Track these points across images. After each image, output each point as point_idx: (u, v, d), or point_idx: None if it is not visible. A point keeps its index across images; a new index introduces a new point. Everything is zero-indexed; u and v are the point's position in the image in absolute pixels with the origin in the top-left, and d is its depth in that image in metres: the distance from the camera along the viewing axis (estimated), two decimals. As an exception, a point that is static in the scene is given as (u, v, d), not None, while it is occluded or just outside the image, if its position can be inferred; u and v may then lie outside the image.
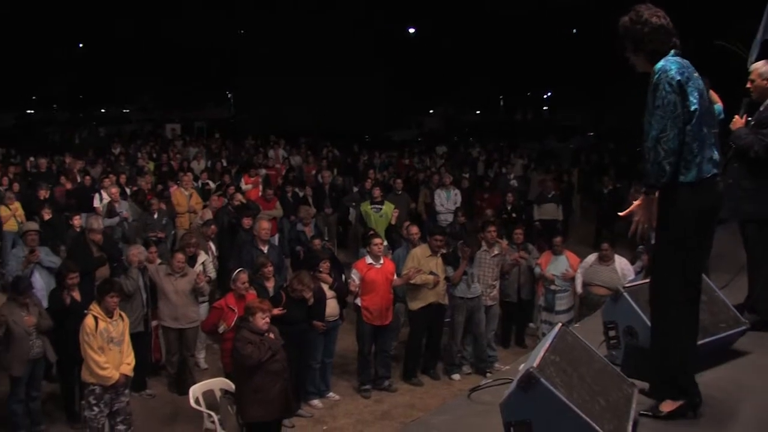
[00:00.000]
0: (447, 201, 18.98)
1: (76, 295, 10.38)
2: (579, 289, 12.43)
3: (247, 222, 14.08)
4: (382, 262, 11.69)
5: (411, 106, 53.56)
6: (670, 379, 4.51)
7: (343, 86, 46.11)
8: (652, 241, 5.03)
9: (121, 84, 56.66)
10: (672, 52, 4.40)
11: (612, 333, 5.53)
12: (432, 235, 12.35)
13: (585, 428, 3.77)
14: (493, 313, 12.70)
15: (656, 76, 4.30)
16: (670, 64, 4.32)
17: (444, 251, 12.14)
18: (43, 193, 17.00)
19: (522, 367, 4.10)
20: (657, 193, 4.41)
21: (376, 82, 47.98)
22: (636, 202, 4.52)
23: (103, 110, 55.01)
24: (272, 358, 8.51)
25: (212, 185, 19.70)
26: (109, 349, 9.23)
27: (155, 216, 15.29)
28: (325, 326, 11.00)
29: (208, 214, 15.18)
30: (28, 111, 53.67)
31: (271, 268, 11.23)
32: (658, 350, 4.53)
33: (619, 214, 4.89)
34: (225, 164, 24.33)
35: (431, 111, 59.95)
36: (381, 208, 16.41)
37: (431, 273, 11.83)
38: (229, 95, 62.62)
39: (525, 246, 13.58)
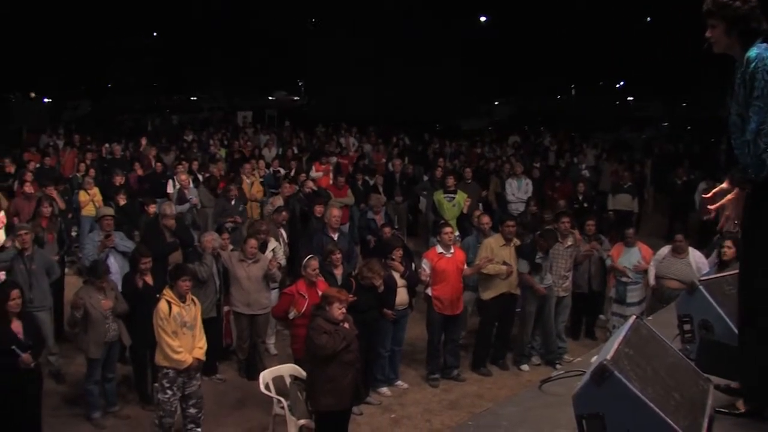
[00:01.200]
0: (518, 190, 18.85)
1: (149, 279, 10.54)
2: (652, 281, 12.25)
3: (318, 209, 14.15)
4: (452, 251, 11.63)
5: (481, 94, 53.21)
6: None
7: (413, 74, 45.99)
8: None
9: (194, 72, 57.26)
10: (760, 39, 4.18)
11: (687, 327, 5.41)
12: (503, 222, 12.28)
13: (659, 423, 3.69)
14: (565, 305, 12.58)
15: (752, 65, 4.06)
16: (766, 52, 4.10)
17: (516, 240, 12.07)
18: (119, 179, 17.26)
19: (595, 360, 4.03)
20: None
21: (446, 70, 47.74)
22: (729, 196, 4.33)
23: (175, 98, 55.58)
24: (346, 348, 8.46)
25: (283, 172, 19.82)
26: (182, 333, 9.35)
27: (233, 202, 15.42)
28: (394, 315, 11.01)
29: (279, 201, 15.28)
30: (103, 99, 54.45)
31: (339, 256, 11.23)
32: (757, 352, 4.35)
33: (710, 207, 4.69)
34: (296, 152, 24.45)
35: (501, 100, 59.55)
36: (454, 197, 16.33)
37: (504, 263, 11.76)
38: (300, 83, 62.89)
39: (597, 237, 13.41)
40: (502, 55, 50.65)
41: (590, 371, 3.82)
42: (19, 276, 10.87)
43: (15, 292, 8.95)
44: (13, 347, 8.67)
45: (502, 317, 12.22)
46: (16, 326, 8.88)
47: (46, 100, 52.86)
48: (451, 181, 16.80)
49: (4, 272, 11.36)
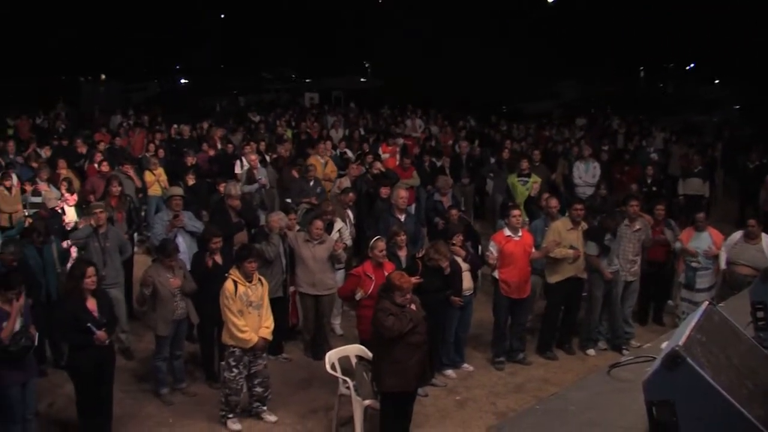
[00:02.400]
0: (585, 173, 18.64)
1: (218, 259, 10.64)
2: (723, 266, 12.03)
3: (384, 191, 14.14)
4: (520, 234, 11.53)
5: (548, 76, 52.65)
6: None
7: (479, 56, 45.67)
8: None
9: (260, 53, 57.54)
10: None
11: (760, 314, 5.28)
12: (571, 205, 12.16)
13: (732, 412, 3.61)
14: (633, 289, 12.40)
15: None
16: None
17: (584, 224, 11.95)
18: (190, 160, 17.47)
19: (666, 345, 3.95)
20: None
21: (513, 52, 47.33)
22: None
23: (242, 79, 55.94)
24: (413, 330, 8.44)
25: (350, 154, 19.86)
26: (248, 312, 9.44)
27: (311, 183, 15.49)
28: (461, 302, 10.98)
29: (346, 182, 15.33)
30: (171, 81, 55.11)
31: (404, 237, 11.23)
32: None
33: None
34: (363, 133, 24.48)
35: (568, 82, 58.88)
36: (528, 180, 16.20)
37: (571, 247, 11.65)
38: (367, 65, 62.84)
39: (667, 222, 13.21)
40: (569, 36, 50.00)
41: (662, 357, 3.75)
42: (93, 253, 11.14)
43: (90, 270, 9.07)
44: (89, 324, 8.81)
45: (569, 301, 12.12)
46: (91, 304, 9.00)
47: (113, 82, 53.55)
48: (525, 164, 16.69)
49: (76, 249, 11.62)
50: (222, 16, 58.37)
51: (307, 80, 53.70)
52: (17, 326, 8.34)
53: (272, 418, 9.93)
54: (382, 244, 10.41)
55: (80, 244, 11.44)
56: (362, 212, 14.47)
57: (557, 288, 11.89)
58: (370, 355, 9.30)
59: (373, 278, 10.06)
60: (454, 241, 11.17)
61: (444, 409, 10.32)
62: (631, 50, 52.10)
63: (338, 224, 12.49)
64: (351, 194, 14.02)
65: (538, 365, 11.84)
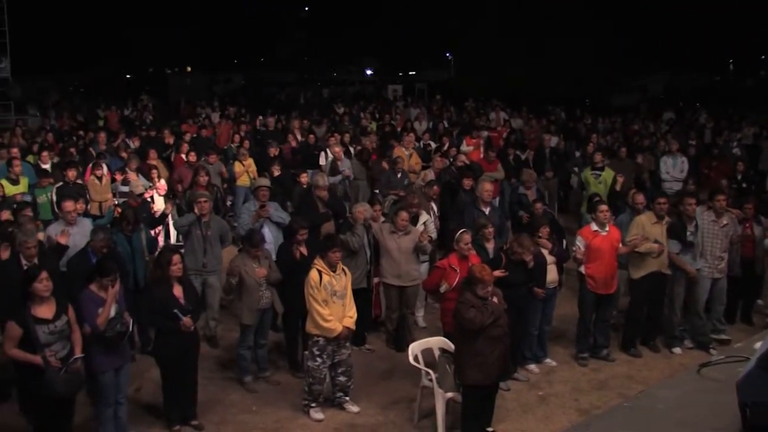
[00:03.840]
0: (673, 168, 18.27)
1: (304, 249, 10.71)
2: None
3: (467, 182, 14.10)
4: (607, 229, 11.38)
5: (633, 69, 51.85)
6: None
7: (563, 48, 45.23)
8: None
9: (344, 46, 57.81)
10: None
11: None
12: (655, 199, 11.97)
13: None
14: (720, 287, 12.12)
15: None
16: None
17: (668, 218, 11.74)
18: (273, 151, 17.68)
19: (760, 346, 3.87)
20: None
21: (597, 44, 46.75)
22: None
23: (326, 72, 56.30)
24: (494, 323, 8.43)
25: (434, 146, 19.85)
26: (332, 302, 9.50)
27: (398, 175, 15.53)
28: (544, 293, 10.89)
29: (430, 175, 15.32)
30: (255, 73, 55.69)
31: (491, 230, 11.20)
32: None
33: None
34: (446, 125, 24.44)
35: (654, 76, 57.88)
36: (600, 174, 15.97)
37: (655, 241, 11.47)
38: (450, 57, 62.70)
39: (757, 218, 12.91)
40: (655, 28, 49.18)
41: (757, 357, 3.68)
42: (195, 241, 11.39)
43: (176, 257, 9.26)
44: (175, 311, 8.99)
45: (652, 297, 11.87)
46: (178, 291, 9.18)
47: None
48: (598, 157, 16.42)
49: (163, 237, 11.85)
50: (306, 8, 58.78)
51: (391, 73, 53.71)
52: (112, 312, 8.53)
53: (354, 408, 9.98)
54: (467, 237, 10.40)
55: (183, 231, 11.67)
56: (446, 205, 14.44)
57: (641, 283, 11.68)
58: (453, 347, 9.30)
59: (458, 271, 10.04)
60: (540, 234, 11.11)
61: (526, 404, 10.24)
62: (720, 43, 50.98)
63: (423, 217, 12.48)
64: (435, 187, 14.01)
65: (621, 362, 11.65)
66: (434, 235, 12.76)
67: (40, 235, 10.54)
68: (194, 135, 21.07)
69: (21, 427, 9.41)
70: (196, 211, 11.63)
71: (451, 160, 16.65)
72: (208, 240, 11.54)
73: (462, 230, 10.63)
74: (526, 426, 9.73)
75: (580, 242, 11.47)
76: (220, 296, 11.98)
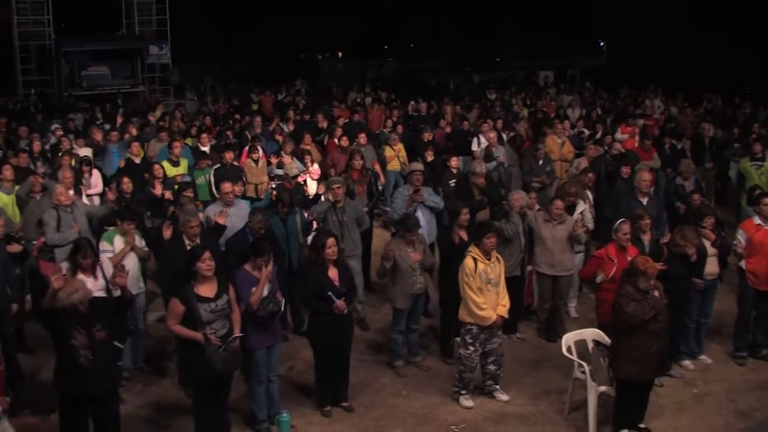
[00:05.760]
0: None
1: (464, 235, 10.63)
2: None
3: (626, 171, 13.81)
4: (772, 222, 10.93)
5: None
6: None
7: (721, 34, 43.68)
8: None
9: (495, 32, 57.42)
10: None
11: None
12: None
13: None
14: None
15: None
16: None
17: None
18: (427, 136, 17.70)
19: None
20: None
21: (760, 28, 44.93)
22: None
23: (476, 57, 56.00)
24: (655, 318, 8.22)
25: (587, 133, 19.51)
26: (486, 290, 9.43)
27: (540, 162, 15.36)
28: (703, 284, 10.53)
29: (584, 163, 15.06)
30: (406, 58, 55.97)
31: (648, 221, 10.88)
32: None
33: None
34: (600, 113, 23.97)
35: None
36: (762, 165, 15.34)
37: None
38: (602, 43, 61.50)
39: None
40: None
41: None
42: (332, 226, 11.47)
43: (331, 240, 9.36)
44: (329, 293, 9.10)
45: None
46: (333, 273, 9.29)
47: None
48: (758, 147, 15.78)
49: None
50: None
51: (542, 59, 53.01)
52: (265, 292, 8.69)
53: (504, 397, 9.91)
54: (627, 227, 10.15)
55: (319, 218, 11.80)
56: (601, 194, 14.16)
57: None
58: (607, 340, 9.14)
59: (616, 261, 9.84)
60: (704, 224, 10.76)
61: (680, 402, 9.95)
62: None
63: (581, 206, 12.22)
64: (590, 174, 13.74)
65: (783, 363, 11.19)
66: (590, 225, 12.49)
67: (200, 216, 10.80)
68: (347, 120, 21.25)
69: (180, 399, 9.75)
70: (330, 197, 11.72)
71: (606, 148, 16.29)
72: (344, 225, 11.61)
73: (621, 220, 10.39)
74: (680, 425, 9.46)
75: (741, 236, 11.05)
76: (362, 279, 12.11)
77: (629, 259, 9.16)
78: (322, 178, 14.60)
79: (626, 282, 8.42)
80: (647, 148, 16.85)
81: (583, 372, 9.23)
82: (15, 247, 10.62)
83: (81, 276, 9.11)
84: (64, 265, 9.43)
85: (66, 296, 7.46)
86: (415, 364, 10.83)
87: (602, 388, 9.02)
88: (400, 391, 10.22)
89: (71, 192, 12.19)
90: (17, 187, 12.82)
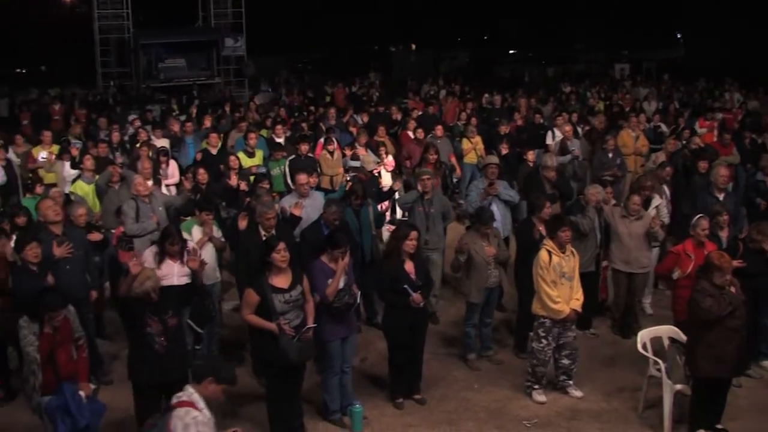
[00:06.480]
0: None
1: (543, 229, 10.55)
2: None
3: (703, 165, 13.59)
4: None
5: None
6: None
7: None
8: None
9: (570, 24, 56.90)
10: None
11: None
12: None
13: None
14: None
15: None
16: None
17: None
18: (504, 129, 17.62)
19: None
20: None
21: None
22: None
23: (551, 49, 55.56)
24: (732, 314, 8.10)
25: (664, 128, 19.23)
26: (560, 283, 9.41)
27: (610, 155, 15.23)
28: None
29: (662, 157, 14.87)
30: (480, 50, 55.76)
31: (726, 217, 10.75)
32: None
33: None
34: (677, 106, 23.63)
35: None
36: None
37: None
38: (679, 35, 60.54)
39: None
40: None
41: None
42: (418, 218, 11.55)
43: (414, 233, 9.39)
44: (405, 286, 9.12)
45: None
46: (409, 266, 9.31)
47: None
48: None
49: (389, 212, 12.04)
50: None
51: (618, 51, 52.36)
52: (341, 284, 8.75)
53: (578, 393, 9.85)
54: (705, 223, 10.02)
55: (406, 208, 11.84)
56: (679, 189, 13.95)
57: None
58: (683, 337, 9.03)
59: (693, 258, 9.72)
60: None
61: (759, 403, 9.74)
62: None
63: (656, 200, 12.06)
64: (668, 168, 13.54)
65: None
66: (667, 220, 12.31)
67: (276, 207, 10.90)
68: (421, 112, 21.26)
69: (254, 388, 9.85)
70: (419, 188, 11.74)
71: (684, 142, 16.06)
72: (430, 217, 11.64)
73: (699, 215, 10.26)
74: (759, 427, 9.26)
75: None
76: (442, 273, 12.09)
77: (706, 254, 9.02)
78: (397, 170, 14.63)
79: (702, 278, 8.32)
80: (726, 142, 16.55)
81: (659, 369, 9.13)
82: (96, 236, 10.90)
83: (169, 261, 9.43)
84: (153, 249, 9.67)
85: (139, 284, 7.66)
86: (488, 358, 10.82)
87: (678, 387, 8.90)
88: (472, 385, 10.22)
89: (150, 182, 12.43)
90: (97, 177, 13.09)
